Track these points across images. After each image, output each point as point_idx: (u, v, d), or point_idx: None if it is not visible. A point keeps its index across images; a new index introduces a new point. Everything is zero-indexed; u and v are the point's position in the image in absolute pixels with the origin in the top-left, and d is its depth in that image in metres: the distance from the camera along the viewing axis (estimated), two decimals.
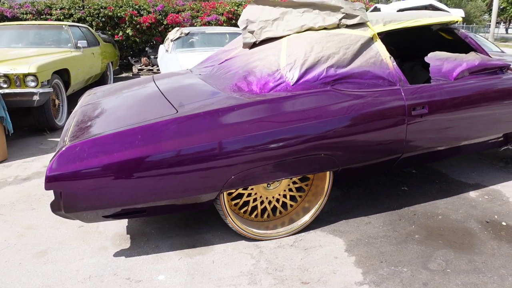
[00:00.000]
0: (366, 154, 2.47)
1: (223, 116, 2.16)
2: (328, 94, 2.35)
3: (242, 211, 2.52)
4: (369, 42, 2.55)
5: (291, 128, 2.22)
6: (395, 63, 2.56)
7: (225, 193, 2.28)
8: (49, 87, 4.60)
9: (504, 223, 2.66)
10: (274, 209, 2.62)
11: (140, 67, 10.16)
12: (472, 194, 3.10)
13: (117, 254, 2.37)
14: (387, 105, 2.45)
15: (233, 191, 2.41)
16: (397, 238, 2.49)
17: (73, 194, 2.02)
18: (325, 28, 2.58)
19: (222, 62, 2.85)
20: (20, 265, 2.30)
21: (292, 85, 2.34)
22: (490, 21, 33.69)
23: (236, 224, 2.38)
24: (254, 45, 2.72)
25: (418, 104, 2.54)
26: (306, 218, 2.53)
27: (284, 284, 2.09)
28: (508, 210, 2.83)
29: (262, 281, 2.11)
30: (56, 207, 2.06)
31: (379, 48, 2.56)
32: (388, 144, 2.50)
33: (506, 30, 51.92)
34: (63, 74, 5.19)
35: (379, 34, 2.62)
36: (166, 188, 2.10)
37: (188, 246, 2.43)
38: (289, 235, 2.52)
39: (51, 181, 1.98)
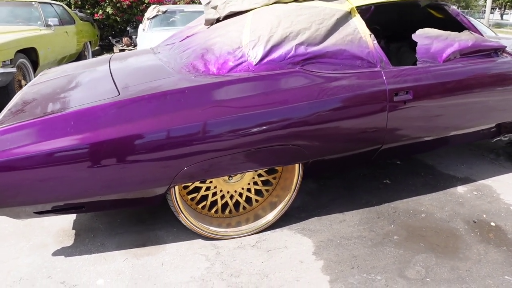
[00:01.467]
0: (341, 145, 2.19)
1: (172, 100, 1.86)
2: (297, 76, 2.05)
3: (200, 206, 2.24)
4: (346, 16, 2.24)
5: (252, 114, 1.93)
6: (376, 41, 2.25)
7: (177, 187, 2.00)
8: (12, 67, 4.27)
9: (493, 224, 2.39)
10: (238, 204, 2.34)
11: (121, 48, 9.76)
12: (460, 189, 2.83)
13: (56, 253, 2.10)
14: (365, 89, 2.16)
15: (188, 184, 2.13)
16: (373, 240, 2.23)
17: None
18: (296, 0, 2.26)
19: (183, 40, 2.54)
20: None
21: (255, 64, 2.04)
22: (485, 7, 33.12)
23: (191, 222, 2.10)
24: (217, 21, 2.41)
25: (401, 89, 2.24)
26: (270, 216, 2.25)
27: None
28: (498, 209, 2.56)
29: None
30: None
31: (358, 24, 2.25)
32: (366, 134, 2.22)
33: (501, 16, 51.19)
34: (30, 54, 4.85)
35: (358, 8, 2.31)
36: (103, 182, 1.81)
37: (137, 245, 2.16)
38: (252, 234, 2.25)
39: None
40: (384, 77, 2.21)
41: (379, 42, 3.51)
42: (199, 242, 2.19)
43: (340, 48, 2.16)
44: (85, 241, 2.20)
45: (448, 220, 2.42)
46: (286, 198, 2.25)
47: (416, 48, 2.43)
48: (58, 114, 1.79)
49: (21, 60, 4.59)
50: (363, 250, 2.14)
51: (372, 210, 2.54)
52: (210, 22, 2.43)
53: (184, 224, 2.11)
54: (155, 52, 2.70)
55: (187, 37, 2.53)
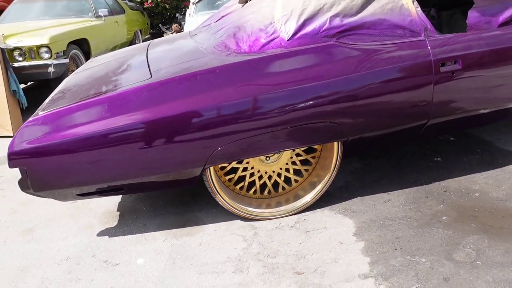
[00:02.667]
0: (381, 121, 2.06)
1: (202, 80, 1.84)
2: (332, 49, 1.95)
3: (238, 187, 2.23)
4: None
5: (285, 92, 1.86)
6: (419, 8, 2.08)
7: (212, 168, 2.00)
8: (65, 58, 4.49)
9: None
10: (277, 184, 2.30)
11: (171, 34, 9.93)
12: None
13: (101, 234, 2.19)
14: (408, 61, 2.01)
15: (226, 164, 2.12)
16: (419, 220, 2.10)
17: (39, 171, 1.83)
18: None
19: (218, 20, 2.50)
20: (4, 243, 2.19)
21: (288, 40, 1.96)
22: None
23: (228, 203, 2.10)
24: None
25: (448, 58, 2.07)
26: (308, 197, 2.19)
27: (273, 273, 1.80)
28: None
29: (249, 268, 1.84)
30: (24, 186, 1.89)
31: None
32: (410, 109, 2.07)
33: None
34: (82, 45, 5.07)
35: None
36: (139, 164, 1.85)
37: (177, 226, 2.20)
38: (291, 215, 2.21)
39: (13, 158, 1.80)
40: (429, 47, 2.04)
41: (429, 10, 3.27)
42: (237, 223, 2.18)
43: (379, 17, 2.02)
44: (128, 222, 2.27)
45: (505, 200, 2.22)
46: (326, 178, 2.17)
47: (469, 12, 2.22)
48: (93, 99, 1.84)
49: (73, 51, 4.81)
50: (407, 231, 2.03)
51: (420, 190, 2.39)
52: (244, 1, 2.37)
53: (221, 205, 2.11)
54: (192, 34, 2.70)
55: (222, 17, 2.50)
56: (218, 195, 2.06)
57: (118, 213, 2.38)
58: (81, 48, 5.04)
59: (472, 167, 2.62)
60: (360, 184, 2.50)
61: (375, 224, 2.09)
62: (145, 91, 1.82)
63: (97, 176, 1.86)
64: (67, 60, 4.46)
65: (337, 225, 2.10)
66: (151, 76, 1.91)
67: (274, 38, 1.97)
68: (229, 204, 2.10)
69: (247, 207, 2.15)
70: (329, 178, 2.17)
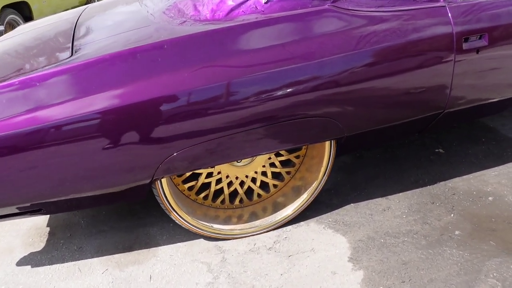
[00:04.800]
0: (389, 112, 1.59)
1: (144, 60, 1.30)
2: (326, 17, 1.43)
3: (201, 196, 1.73)
4: None
5: (262, 76, 1.35)
6: None
7: (165, 177, 1.49)
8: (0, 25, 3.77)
9: None
10: (251, 191, 1.82)
11: None
12: None
13: (22, 262, 1.67)
14: (424, 34, 1.52)
15: None
16: (427, 237, 1.68)
17: None
18: None
19: None
20: None
21: (265, 2, 1.42)
22: None
23: (187, 221, 1.61)
24: None
25: (473, 32, 1.59)
26: (289, 210, 1.72)
27: None
28: None
29: None
30: None
31: None
32: (424, 96, 1.61)
33: None
34: (22, 9, 4.31)
35: None
36: (56, 178, 1.32)
37: (122, 248, 1.70)
38: (269, 230, 1.74)
39: None
40: (449, 15, 1.56)
41: None
42: (201, 243, 1.70)
43: None
44: (59, 244, 1.75)
45: None
46: (313, 186, 1.71)
47: None
48: None
49: (10, 16, 4.07)
50: (415, 253, 1.61)
51: (424, 192, 1.97)
52: None
53: (179, 223, 1.61)
54: None
55: None
56: (174, 213, 1.56)
57: (48, 229, 1.85)
58: (21, 12, 4.29)
59: (480, 161, 2.21)
60: (352, 185, 2.05)
61: (375, 244, 1.66)
62: (59, 77, 1.26)
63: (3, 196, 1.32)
64: (2, 27, 3.75)
65: (328, 246, 1.66)
66: (71, 55, 1.34)
67: (247, 0, 1.43)
68: (189, 223, 1.61)
69: (212, 224, 1.67)
70: (318, 185, 1.71)
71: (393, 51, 1.45)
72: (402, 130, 1.74)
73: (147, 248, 1.69)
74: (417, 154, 2.29)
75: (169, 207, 1.54)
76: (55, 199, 1.37)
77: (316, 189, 1.71)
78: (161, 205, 1.55)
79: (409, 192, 1.97)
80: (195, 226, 1.62)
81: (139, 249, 1.69)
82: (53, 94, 1.23)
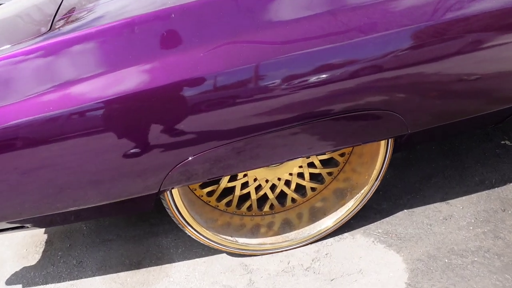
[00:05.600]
0: (469, 104, 1.23)
1: (145, 34, 0.97)
2: None
3: (223, 202, 1.43)
4: None
5: (303, 55, 1.00)
6: None
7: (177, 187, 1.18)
8: None
9: None
10: (283, 196, 1.50)
11: None
12: None
13: (12, 280, 1.42)
14: None
15: None
16: (502, 256, 1.34)
17: None
18: None
19: None
20: None
21: None
22: None
23: (205, 236, 1.30)
24: None
25: None
26: (330, 222, 1.40)
27: None
28: None
29: None
30: None
31: None
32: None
33: None
34: None
35: None
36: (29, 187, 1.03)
37: (129, 264, 1.42)
38: (304, 245, 1.43)
39: None
40: None
41: None
42: (223, 259, 1.41)
43: None
44: (57, 257, 1.49)
45: None
46: (363, 191, 1.37)
47: None
48: None
49: None
50: (489, 278, 1.27)
51: (493, 196, 1.61)
52: None
53: (195, 239, 1.31)
54: None
55: None
56: (189, 228, 1.26)
57: (46, 237, 1.59)
58: None
59: None
60: (404, 185, 1.70)
61: (437, 265, 1.33)
62: (30, 56, 0.94)
63: None
64: None
65: (379, 266, 1.34)
66: (50, 29, 1.03)
67: None
68: (208, 239, 1.31)
69: (237, 239, 1.36)
70: (368, 192, 1.37)
71: (486, 21, 1.07)
72: (478, 123, 1.37)
73: (159, 264, 1.41)
74: (479, 146, 1.91)
75: (183, 221, 1.24)
76: (37, 214, 1.09)
77: (365, 196, 1.37)
78: (173, 218, 1.25)
79: (474, 196, 1.62)
80: (216, 242, 1.32)
81: (149, 266, 1.41)
82: (23, 79, 0.93)
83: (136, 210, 1.21)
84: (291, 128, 1.06)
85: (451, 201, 1.59)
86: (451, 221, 1.50)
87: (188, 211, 1.23)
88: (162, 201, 1.20)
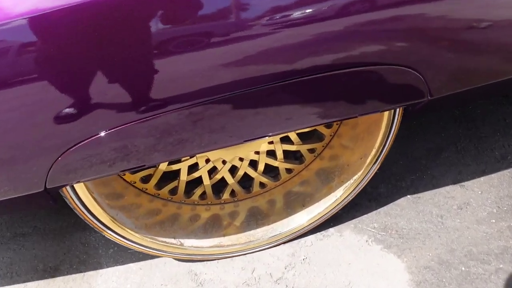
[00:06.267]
0: (501, 64, 0.83)
1: None
2: None
3: (166, 190, 1.05)
4: None
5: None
6: None
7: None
8: None
9: None
10: (247, 179, 1.13)
11: None
12: None
13: None
14: None
15: None
16: None
17: None
18: None
19: None
20: None
21: None
22: None
23: (139, 243, 0.94)
24: None
25: None
26: (309, 216, 1.04)
27: None
28: None
29: None
30: None
31: None
32: None
33: None
34: None
35: None
36: None
37: (42, 270, 1.08)
38: (278, 245, 1.08)
39: None
40: None
41: None
42: (166, 265, 1.05)
43: None
44: None
45: None
46: (356, 177, 1.01)
47: None
48: None
49: None
50: None
51: None
52: None
53: (120, 243, 0.95)
54: None
55: None
56: (107, 232, 0.89)
57: None
58: None
59: None
60: (407, 162, 1.34)
61: (452, 275, 1.00)
62: None
63: None
64: None
65: (373, 278, 1.00)
66: None
67: None
68: (142, 245, 0.94)
69: (183, 240, 1.00)
70: (364, 177, 1.00)
71: None
72: (504, 87, 0.99)
73: (81, 271, 1.06)
74: (497, 110, 1.52)
75: (97, 223, 0.86)
76: None
77: (359, 184, 1.01)
78: (85, 221, 0.87)
79: (494, 176, 1.27)
80: (152, 248, 0.95)
81: (67, 273, 1.05)
82: None
83: (31, 208, 0.84)
84: (261, 89, 0.67)
85: (466, 184, 1.25)
86: (468, 211, 1.16)
87: (102, 208, 0.85)
88: (65, 199, 0.81)
